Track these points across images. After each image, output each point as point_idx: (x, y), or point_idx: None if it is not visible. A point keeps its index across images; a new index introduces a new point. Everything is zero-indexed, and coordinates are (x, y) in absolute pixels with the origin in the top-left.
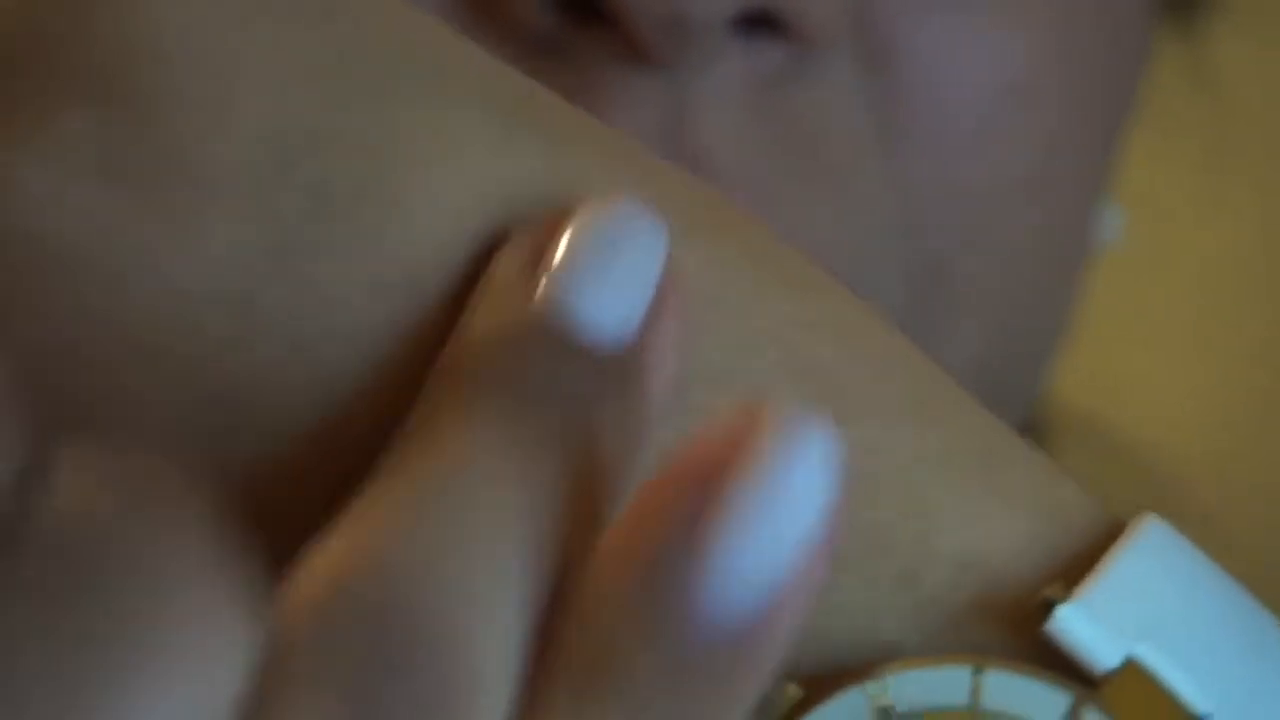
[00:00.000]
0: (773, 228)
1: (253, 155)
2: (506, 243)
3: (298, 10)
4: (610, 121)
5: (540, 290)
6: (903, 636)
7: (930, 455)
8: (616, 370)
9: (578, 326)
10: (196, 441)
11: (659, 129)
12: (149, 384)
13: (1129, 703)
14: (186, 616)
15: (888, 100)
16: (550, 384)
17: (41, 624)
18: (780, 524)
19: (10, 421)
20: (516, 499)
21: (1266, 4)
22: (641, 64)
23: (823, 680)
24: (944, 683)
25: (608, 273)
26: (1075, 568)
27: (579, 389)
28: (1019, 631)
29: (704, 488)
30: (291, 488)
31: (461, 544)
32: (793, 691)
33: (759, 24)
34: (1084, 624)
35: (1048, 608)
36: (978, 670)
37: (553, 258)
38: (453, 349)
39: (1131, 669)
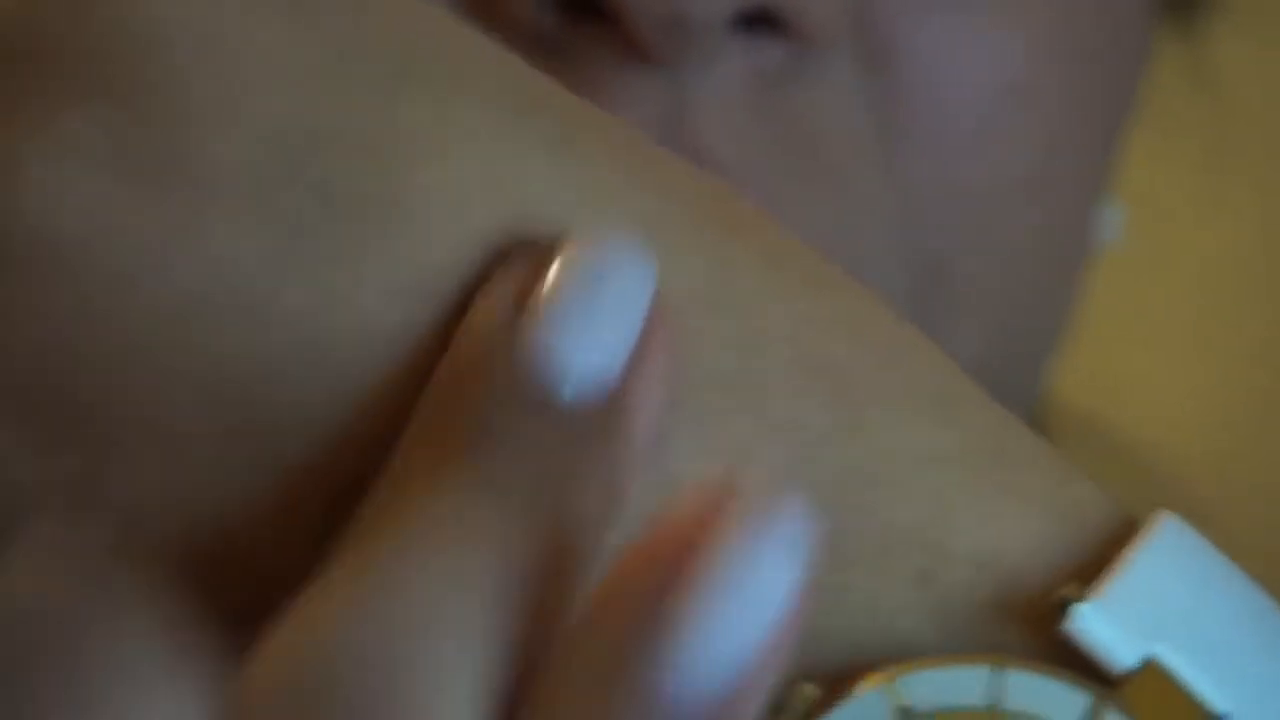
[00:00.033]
0: None
1: (257, 154)
2: (492, 277)
3: (302, 6)
4: None
5: (521, 339)
6: (919, 636)
7: (945, 454)
8: (597, 422)
9: (558, 380)
10: (204, 446)
11: (659, 127)
12: (155, 386)
13: (1149, 702)
14: (136, 696)
15: (888, 100)
16: (526, 444)
17: None
18: (748, 608)
19: None
20: (485, 572)
21: (1266, 4)
22: (641, 63)
23: (840, 680)
24: (962, 682)
25: (590, 321)
26: (1091, 566)
27: (556, 449)
28: (1036, 631)
29: (673, 570)
30: (295, 500)
31: (424, 621)
32: (810, 691)
33: (759, 23)
34: (1102, 623)
35: (1065, 607)
36: (996, 670)
37: (536, 301)
38: (431, 396)
39: (1151, 669)
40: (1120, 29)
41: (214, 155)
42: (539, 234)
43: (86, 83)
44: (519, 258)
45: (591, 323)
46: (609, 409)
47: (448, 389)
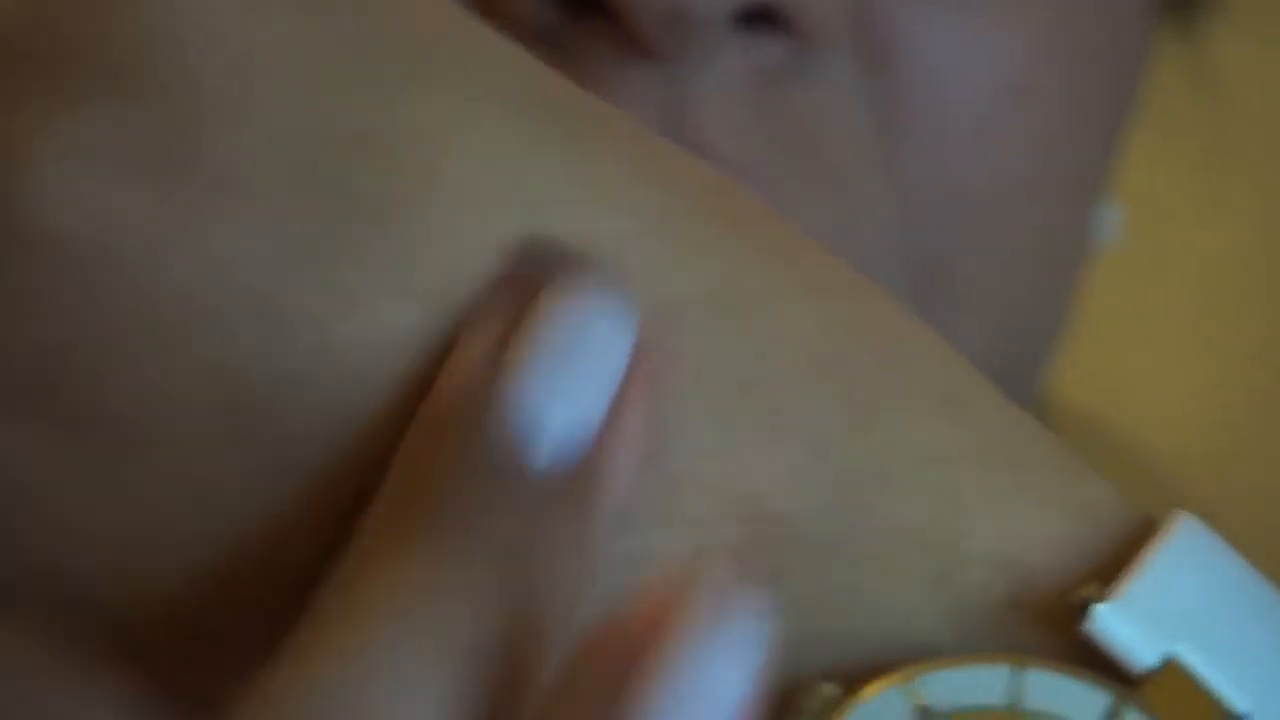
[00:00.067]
0: None
1: (267, 154)
2: (469, 328)
3: (312, 5)
4: None
5: (492, 406)
6: (937, 636)
7: (959, 454)
8: (569, 490)
9: (529, 448)
10: (209, 449)
11: (659, 123)
12: (160, 388)
13: (1169, 702)
14: None
15: (887, 100)
16: (495, 515)
17: None
18: (699, 710)
19: None
20: (452, 646)
21: (1266, 4)
22: (642, 58)
23: (860, 679)
24: (982, 682)
25: (564, 386)
26: (1109, 567)
27: (526, 519)
28: (1054, 631)
29: (629, 669)
30: (295, 521)
31: (390, 697)
32: (829, 691)
33: (759, 20)
34: (1122, 623)
35: (1084, 607)
36: (1016, 669)
37: (509, 363)
38: (401, 460)
39: (1170, 668)
40: (1120, 29)
41: (223, 154)
42: (554, 245)
43: (96, 81)
44: (496, 306)
45: (565, 388)
46: (581, 475)
47: (417, 453)
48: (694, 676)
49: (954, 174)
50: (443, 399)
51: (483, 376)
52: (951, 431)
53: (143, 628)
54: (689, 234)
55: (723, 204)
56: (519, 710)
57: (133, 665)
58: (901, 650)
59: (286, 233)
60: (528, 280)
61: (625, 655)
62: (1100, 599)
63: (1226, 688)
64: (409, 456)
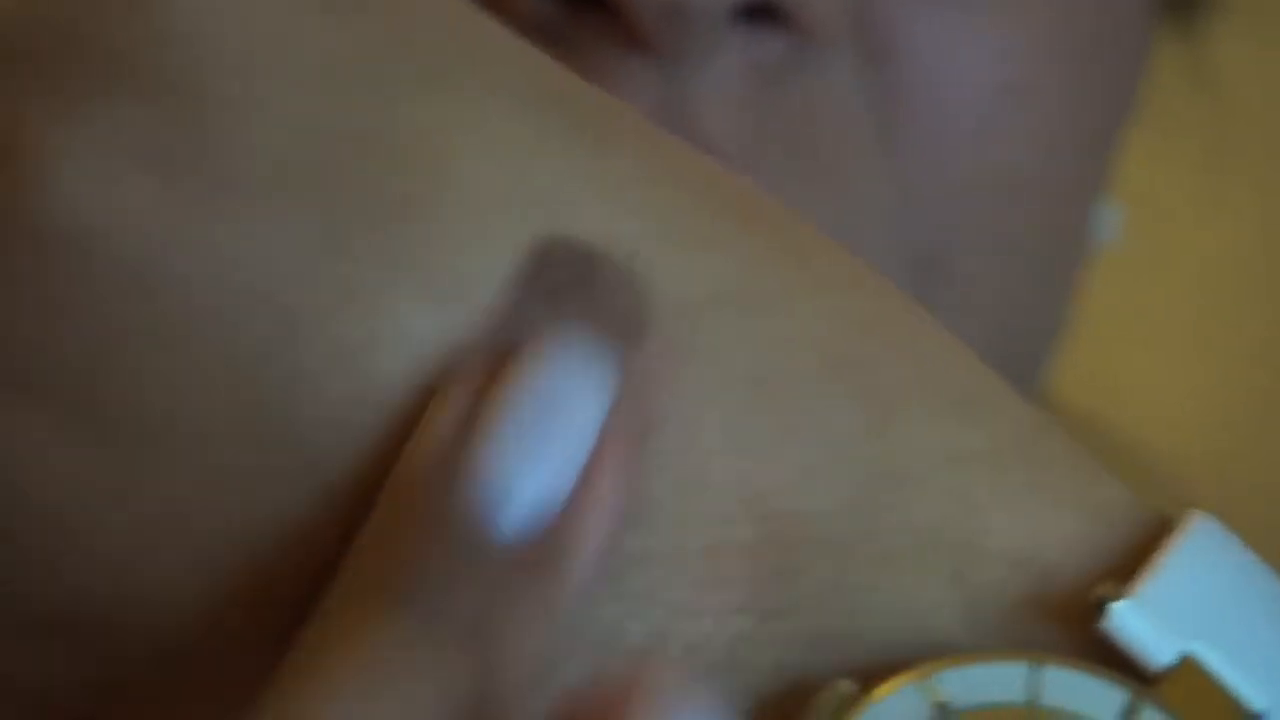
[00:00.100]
0: None
1: (284, 153)
2: (440, 391)
3: (332, 4)
4: None
5: (459, 477)
6: (953, 635)
7: (975, 453)
8: (537, 561)
9: (495, 520)
10: (225, 451)
11: (658, 118)
12: (177, 386)
13: (1186, 700)
14: None
15: (887, 97)
16: (462, 587)
17: None
18: None
19: None
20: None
21: (1267, 4)
22: (642, 53)
23: (877, 676)
24: (1000, 679)
25: (532, 456)
26: (1125, 565)
27: (494, 591)
28: (1069, 629)
29: None
30: (316, 515)
31: None
32: (846, 688)
33: (760, 16)
34: (1139, 621)
35: (1100, 605)
36: (1034, 666)
37: (477, 432)
38: (369, 531)
39: (1188, 666)
40: (1120, 29)
41: (231, 153)
42: (573, 244)
43: (116, 78)
44: (468, 368)
45: (533, 458)
46: (551, 544)
47: (387, 520)
48: None
49: (953, 171)
50: (412, 467)
51: (451, 445)
52: (967, 431)
53: (128, 659)
54: (701, 231)
55: (735, 201)
56: None
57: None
58: (917, 649)
59: (295, 232)
60: (502, 341)
61: None
62: (1117, 597)
63: (1243, 685)
64: (379, 523)
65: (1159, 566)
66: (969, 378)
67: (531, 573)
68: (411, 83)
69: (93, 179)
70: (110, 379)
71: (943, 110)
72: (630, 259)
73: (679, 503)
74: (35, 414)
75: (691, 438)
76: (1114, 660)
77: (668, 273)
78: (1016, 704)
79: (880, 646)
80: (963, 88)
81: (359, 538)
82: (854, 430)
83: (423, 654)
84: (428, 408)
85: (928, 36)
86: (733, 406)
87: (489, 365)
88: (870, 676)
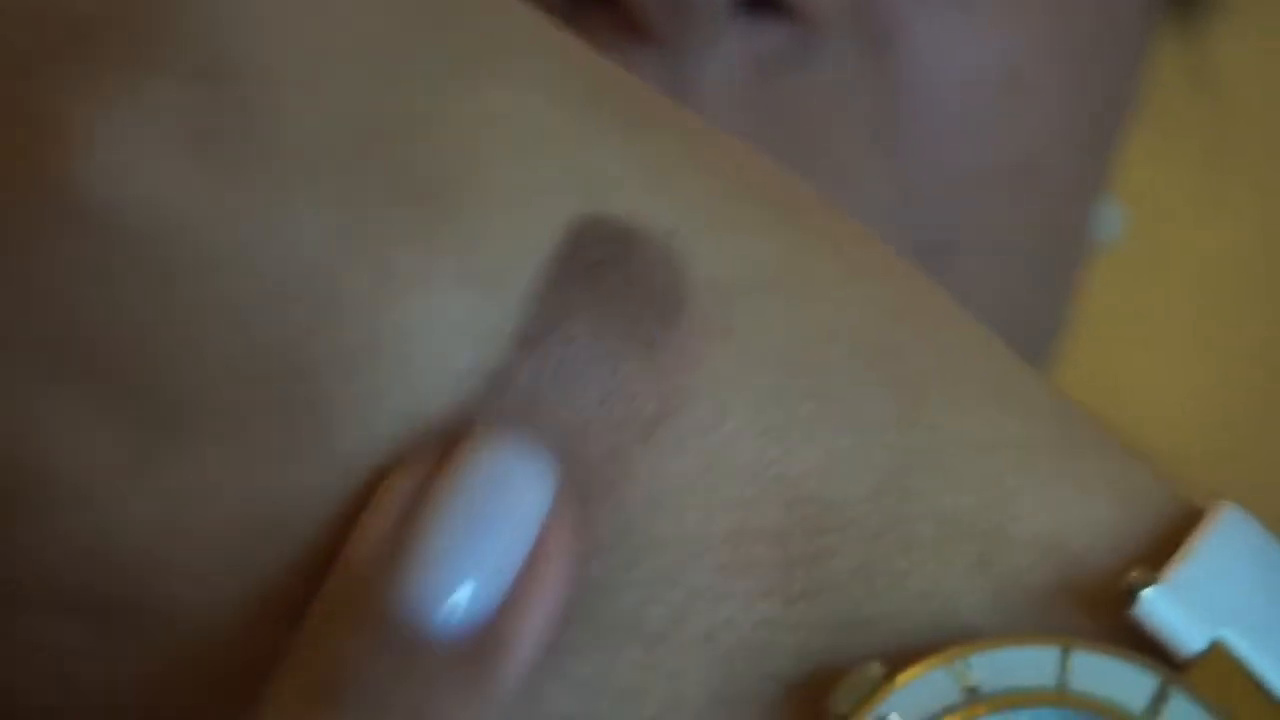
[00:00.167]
0: None
1: (332, 135)
2: (381, 490)
3: None
4: None
5: (391, 580)
6: (980, 621)
7: (1006, 440)
8: (471, 661)
9: (428, 624)
10: (262, 431)
11: None
12: (212, 363)
13: (1216, 685)
14: None
15: (887, 93)
16: (394, 692)
17: None
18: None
19: None
20: None
21: (1267, 3)
22: (644, 42)
23: (907, 659)
24: (1031, 663)
25: (470, 553)
26: (1156, 552)
27: (426, 695)
28: (1098, 615)
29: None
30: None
31: None
32: (876, 670)
33: (761, 5)
34: (1169, 607)
35: (1130, 592)
36: (1065, 651)
37: (417, 527)
38: (304, 634)
39: (1218, 652)
40: (1119, 28)
41: (281, 134)
42: (611, 222)
43: (163, 58)
44: (409, 466)
45: (471, 557)
46: (490, 641)
47: (325, 621)
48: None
49: (952, 169)
50: (350, 568)
51: (388, 546)
52: (997, 419)
53: (155, 643)
54: (738, 216)
55: (771, 188)
56: None
57: None
58: (944, 634)
59: (335, 214)
60: (445, 438)
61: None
62: (1147, 583)
63: (1272, 672)
64: (319, 618)
65: (1189, 554)
66: (1000, 366)
67: (470, 668)
68: (453, 66)
69: (133, 158)
70: (143, 358)
71: (942, 108)
72: (668, 237)
73: (703, 485)
74: (67, 392)
75: (719, 419)
76: (1143, 647)
77: (704, 256)
78: (1047, 688)
79: (906, 632)
80: (962, 86)
81: (301, 631)
82: (885, 417)
83: None
84: (372, 500)
85: (928, 34)
86: (763, 390)
87: (434, 457)
88: (897, 661)
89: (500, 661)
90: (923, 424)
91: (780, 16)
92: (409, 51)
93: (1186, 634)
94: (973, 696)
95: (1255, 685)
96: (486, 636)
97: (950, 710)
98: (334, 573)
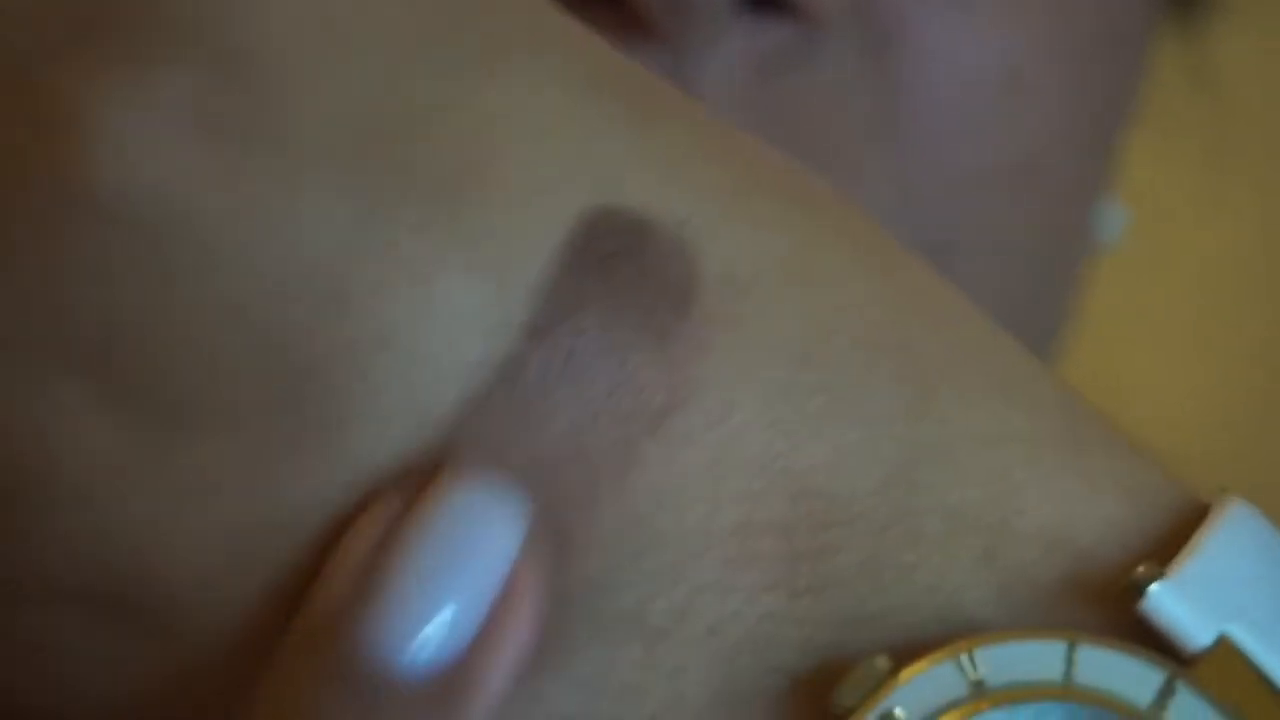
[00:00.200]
0: None
1: (343, 125)
2: (351, 531)
3: None
4: None
5: (363, 616)
6: (986, 615)
7: (1014, 435)
8: (442, 694)
9: (399, 662)
10: (266, 426)
11: None
12: (218, 356)
13: (1222, 680)
14: None
15: (887, 91)
16: None
17: None
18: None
19: None
20: None
21: (1268, 3)
22: (646, 40)
23: (913, 653)
24: (1037, 657)
25: (437, 596)
26: (1163, 547)
27: None
28: (1104, 610)
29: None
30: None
31: None
32: (882, 664)
33: (764, 3)
34: (1176, 602)
35: (1137, 586)
36: (1071, 645)
37: (384, 569)
38: (272, 675)
39: (1225, 647)
40: (1120, 28)
41: (295, 123)
42: (624, 213)
43: (171, 46)
44: (378, 509)
45: (437, 601)
46: (457, 680)
47: (292, 664)
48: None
49: (952, 168)
50: (315, 611)
51: (355, 587)
52: (1006, 413)
53: (153, 640)
54: (750, 209)
55: (783, 181)
56: None
57: None
58: (949, 628)
59: (347, 204)
60: (414, 480)
61: None
62: (1155, 579)
63: (1279, 667)
64: (284, 667)
65: (1197, 549)
66: (1009, 361)
67: (437, 708)
68: (468, 58)
69: (147, 148)
70: (146, 353)
71: (942, 108)
72: (680, 228)
73: (710, 478)
74: (73, 385)
75: (727, 412)
76: (1149, 641)
77: (716, 247)
78: (1053, 683)
79: (913, 626)
80: (962, 86)
81: (268, 675)
82: (893, 411)
83: None
84: (340, 544)
85: (928, 33)
86: (772, 382)
87: (402, 499)
88: (903, 655)
89: (470, 699)
90: (931, 418)
91: (782, 15)
92: (420, 43)
93: (1193, 629)
94: (979, 691)
95: (1262, 680)
96: (454, 678)
97: (956, 704)
98: (301, 615)
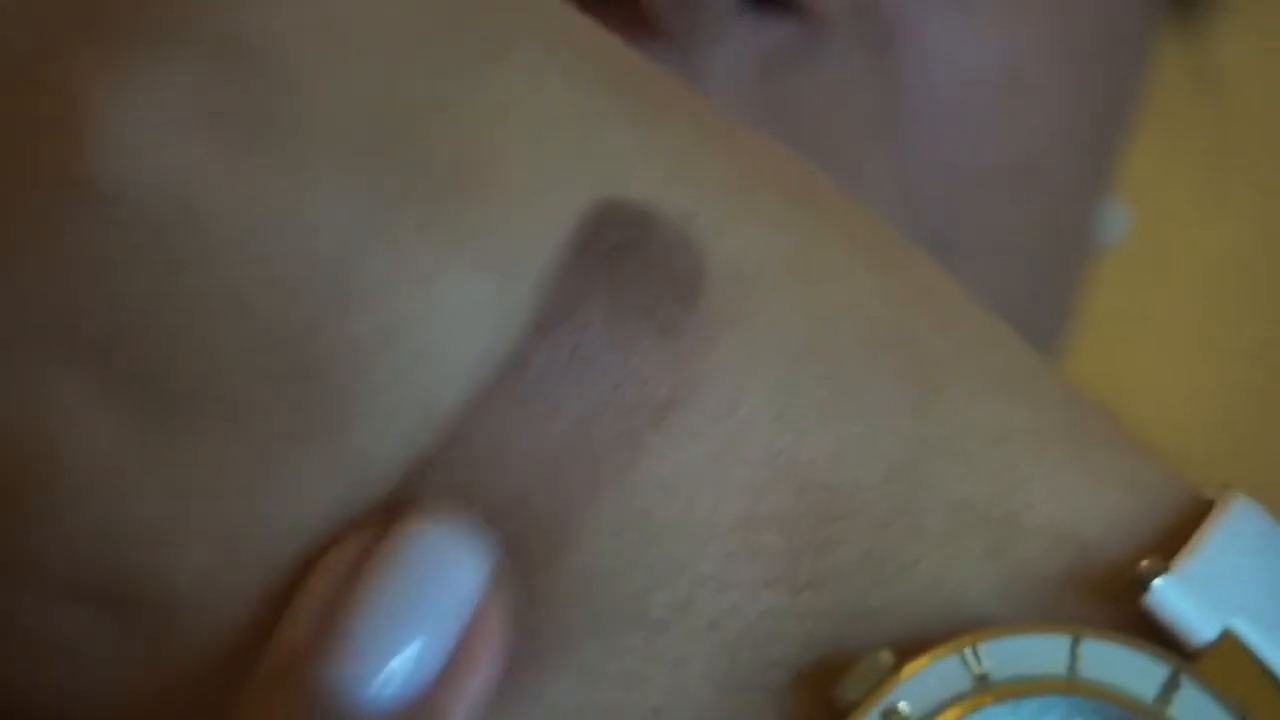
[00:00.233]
0: None
1: (350, 120)
2: (314, 571)
3: None
4: None
5: (328, 655)
6: (990, 609)
7: (1019, 430)
8: None
9: (363, 700)
10: (273, 422)
11: None
12: (227, 356)
13: (1226, 675)
14: None
15: (889, 91)
16: None
17: None
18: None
19: None
20: None
21: (1269, 3)
22: (650, 37)
23: (916, 648)
24: (1041, 651)
25: (403, 634)
26: (1165, 543)
27: None
28: (1108, 605)
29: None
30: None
31: None
32: (885, 659)
33: (768, 2)
34: (1181, 597)
35: (1141, 581)
36: (1075, 639)
37: (348, 609)
38: (245, 710)
39: (1229, 641)
40: (1121, 28)
41: (300, 117)
42: (629, 206)
43: (182, 37)
44: (343, 547)
45: (403, 636)
46: (424, 713)
47: (259, 699)
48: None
49: (953, 168)
50: (284, 644)
51: (321, 622)
52: (1010, 408)
53: (157, 636)
54: (756, 204)
55: (789, 176)
56: None
57: None
58: (953, 623)
59: (351, 198)
60: (380, 515)
61: None
62: (1159, 573)
63: None
64: (253, 699)
65: (1201, 544)
66: (1014, 356)
67: None
68: (472, 52)
69: (150, 144)
70: (153, 347)
71: (942, 108)
72: (686, 221)
73: (713, 471)
74: (75, 382)
75: (732, 405)
76: (1153, 636)
77: (721, 242)
78: (1057, 677)
79: (916, 620)
80: (963, 85)
81: (238, 707)
82: (898, 405)
83: None
84: (306, 579)
85: (929, 33)
86: (778, 376)
87: (368, 536)
88: (907, 649)
89: None
90: (935, 413)
91: (787, 14)
92: (426, 36)
93: (1197, 623)
94: (983, 685)
95: (1266, 674)
96: (420, 713)
97: (960, 698)
98: (269, 649)
